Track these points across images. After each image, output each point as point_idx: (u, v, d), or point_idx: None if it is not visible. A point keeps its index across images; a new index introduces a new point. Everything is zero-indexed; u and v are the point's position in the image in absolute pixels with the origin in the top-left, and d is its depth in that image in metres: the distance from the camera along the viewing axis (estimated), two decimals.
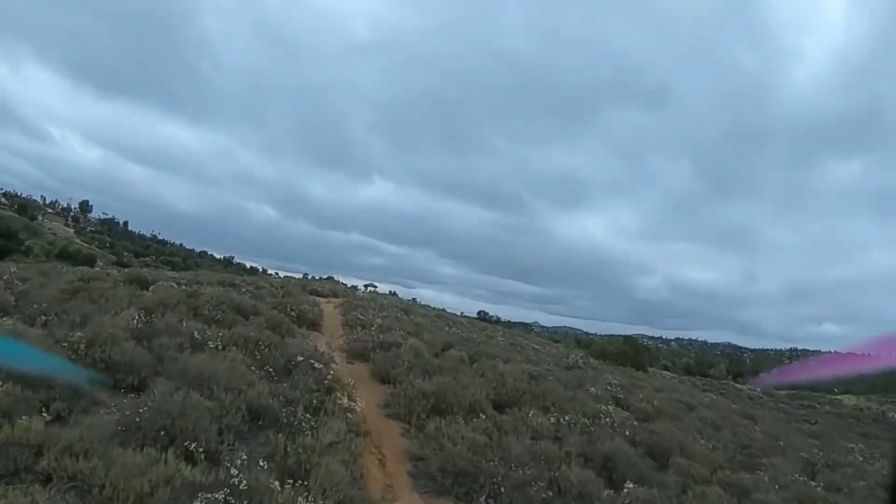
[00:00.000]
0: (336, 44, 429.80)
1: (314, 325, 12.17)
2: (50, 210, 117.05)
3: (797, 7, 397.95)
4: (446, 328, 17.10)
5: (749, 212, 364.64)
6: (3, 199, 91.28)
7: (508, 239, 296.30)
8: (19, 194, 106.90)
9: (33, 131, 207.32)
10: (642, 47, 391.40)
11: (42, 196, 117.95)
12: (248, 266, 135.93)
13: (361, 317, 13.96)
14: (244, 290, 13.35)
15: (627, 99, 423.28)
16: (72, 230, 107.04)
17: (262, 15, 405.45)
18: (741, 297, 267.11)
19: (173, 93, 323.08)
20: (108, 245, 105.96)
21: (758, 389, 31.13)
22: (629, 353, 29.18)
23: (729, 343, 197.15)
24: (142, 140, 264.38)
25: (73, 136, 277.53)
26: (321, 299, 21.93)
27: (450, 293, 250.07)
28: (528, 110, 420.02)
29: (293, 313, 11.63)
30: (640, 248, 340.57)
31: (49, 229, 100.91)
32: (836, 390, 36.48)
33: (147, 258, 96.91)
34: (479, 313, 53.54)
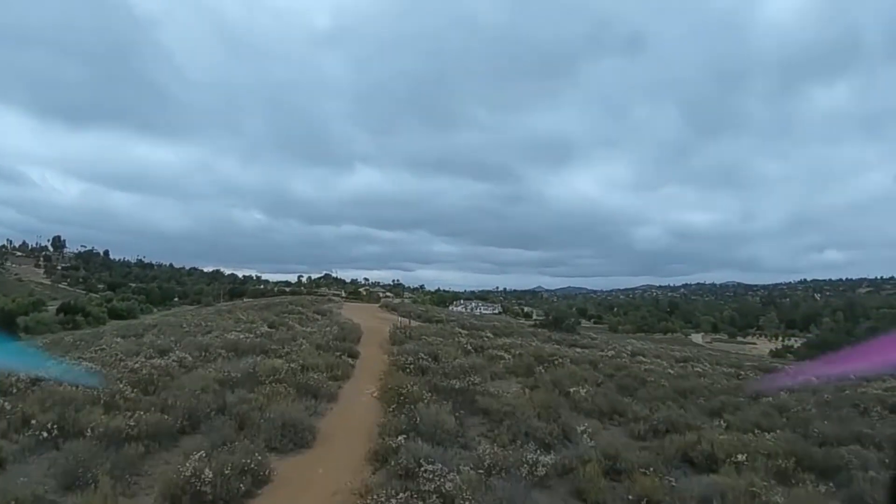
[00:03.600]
0: (301, 40, 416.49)
1: None
2: (20, 253, 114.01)
3: None
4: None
5: (740, 149, 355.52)
6: None
7: (502, 208, 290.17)
8: None
9: (9, 176, 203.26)
10: None
11: (8, 240, 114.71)
12: (240, 276, 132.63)
13: None
14: None
15: (604, 50, 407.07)
16: (41, 270, 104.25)
17: (221, 23, 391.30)
18: (742, 235, 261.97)
19: (144, 114, 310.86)
20: (80, 280, 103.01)
21: None
22: None
23: (738, 283, 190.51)
24: (120, 167, 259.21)
25: (51, 175, 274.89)
26: None
27: (450, 270, 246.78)
28: (505, 76, 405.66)
29: None
30: (635, 199, 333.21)
31: (15, 274, 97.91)
32: None
33: (117, 289, 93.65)
34: (543, 320, 44.41)
